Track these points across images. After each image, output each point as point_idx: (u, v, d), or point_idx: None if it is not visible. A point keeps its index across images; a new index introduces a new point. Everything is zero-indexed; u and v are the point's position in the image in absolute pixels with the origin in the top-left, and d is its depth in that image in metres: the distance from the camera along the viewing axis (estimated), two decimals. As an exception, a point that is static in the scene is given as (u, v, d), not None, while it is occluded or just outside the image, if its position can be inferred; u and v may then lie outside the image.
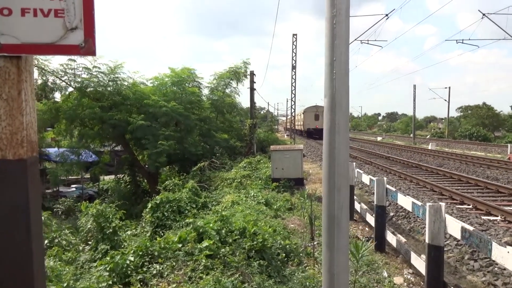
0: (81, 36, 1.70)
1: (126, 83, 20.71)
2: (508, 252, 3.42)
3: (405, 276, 6.05)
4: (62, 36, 1.68)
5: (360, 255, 4.00)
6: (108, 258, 6.18)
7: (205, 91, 26.80)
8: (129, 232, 10.16)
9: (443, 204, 4.80)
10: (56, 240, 9.76)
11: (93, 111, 18.90)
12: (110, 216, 9.73)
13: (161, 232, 9.58)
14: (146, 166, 21.31)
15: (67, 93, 20.13)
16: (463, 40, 25.77)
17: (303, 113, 46.25)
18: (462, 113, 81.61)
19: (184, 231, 6.36)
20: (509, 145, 34.44)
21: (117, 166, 24.10)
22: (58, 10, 1.68)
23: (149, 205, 11.04)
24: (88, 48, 1.70)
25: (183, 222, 9.63)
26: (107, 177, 27.09)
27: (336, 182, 2.15)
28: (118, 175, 23.48)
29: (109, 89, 20.04)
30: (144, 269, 5.63)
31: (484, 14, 22.78)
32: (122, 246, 8.30)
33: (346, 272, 2.22)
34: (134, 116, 19.81)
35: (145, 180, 22.45)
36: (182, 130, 21.62)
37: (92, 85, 19.64)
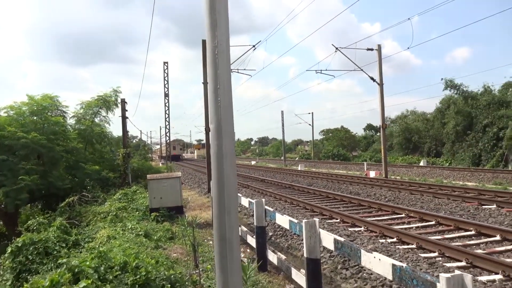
0: None
1: (-26, 113, 18.27)
2: (374, 257, 3.85)
3: (287, 291, 6.33)
4: None
5: (247, 276, 4.10)
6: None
7: (71, 121, 25.07)
8: (-17, 284, 8.84)
9: (317, 219, 5.21)
10: None
11: None
12: (-42, 268, 8.39)
13: (27, 277, 8.53)
14: (2, 205, 18.85)
15: None
16: (321, 70, 28.50)
17: (164, 146, 57.72)
18: (324, 136, 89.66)
19: (56, 273, 5.75)
20: (365, 163, 38.86)
21: (-36, 208, 20.81)
22: None
23: (9, 249, 9.76)
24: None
25: (52, 264, 8.73)
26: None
27: (226, 204, 2.22)
28: (-35, 219, 20.26)
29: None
30: (8, 323, 4.94)
31: (337, 48, 25.71)
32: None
33: (239, 293, 2.27)
34: (-14, 150, 17.53)
35: (1, 222, 19.81)
36: (46, 163, 19.79)
37: None
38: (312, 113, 63.04)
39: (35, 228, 12.94)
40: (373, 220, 11.40)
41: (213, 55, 2.21)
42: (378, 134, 66.43)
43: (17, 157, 18.07)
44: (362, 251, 4.09)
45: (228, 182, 2.22)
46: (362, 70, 26.47)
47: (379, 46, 26.02)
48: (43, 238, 10.23)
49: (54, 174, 19.72)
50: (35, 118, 21.08)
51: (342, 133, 77.23)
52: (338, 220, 11.93)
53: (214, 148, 2.24)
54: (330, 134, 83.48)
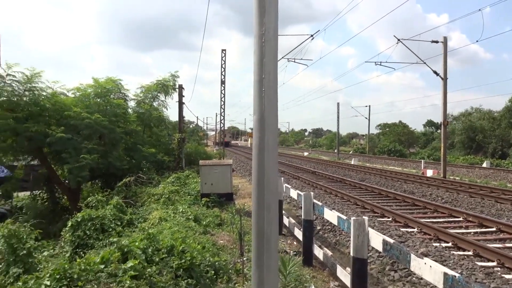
0: None
1: (44, 93, 19.44)
2: (425, 263, 3.63)
3: (331, 288, 6.20)
4: None
5: (287, 272, 4.02)
6: (20, 283, 5.65)
7: (132, 104, 26.03)
8: (46, 253, 9.44)
9: (366, 218, 5.01)
10: (-40, 265, 8.81)
11: (5, 123, 17.45)
12: (24, 236, 8.99)
13: (82, 252, 9.01)
14: (66, 181, 20.05)
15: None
16: (381, 62, 27.56)
17: (217, 133, 59.95)
18: (381, 130, 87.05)
19: (107, 250, 6.00)
20: (422, 161, 37.28)
21: (33, 182, 22.40)
22: None
23: (69, 223, 10.38)
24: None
25: (107, 241, 9.15)
26: (21, 194, 25.07)
27: (265, 199, 2.14)
28: (34, 192, 21.82)
29: (25, 99, 18.68)
30: (61, 294, 5.21)
31: (399, 40, 24.64)
32: (38, 269, 7.67)
33: (275, 291, 2.20)
34: (54, 128, 18.64)
35: (65, 197, 21.11)
36: (107, 144, 20.72)
37: (5, 94, 18.16)
38: (369, 106, 61.32)
39: (93, 204, 13.60)
40: (427, 221, 10.88)
41: (260, 43, 2.11)
42: (438, 131, 63.42)
43: (81, 137, 19.05)
44: (412, 256, 3.88)
45: (269, 176, 2.13)
46: (425, 63, 25.30)
47: (445, 38, 24.63)
48: (100, 215, 10.75)
49: (114, 154, 20.61)
50: (98, 100, 22.10)
51: (400, 128, 74.53)
52: (390, 219, 11.52)
53: (256, 140, 2.16)
54: (387, 129, 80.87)
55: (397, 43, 24.67)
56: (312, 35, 24.51)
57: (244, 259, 6.99)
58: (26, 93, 18.75)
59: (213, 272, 6.13)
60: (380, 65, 27.05)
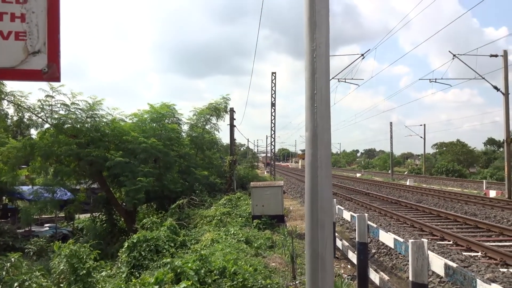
0: (44, 61, 1.58)
1: (105, 120, 20.52)
2: (493, 289, 3.36)
3: (390, 315, 5.89)
4: (23, 60, 1.55)
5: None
6: (79, 303, 5.85)
7: (185, 127, 26.75)
8: (104, 273, 9.76)
9: (425, 240, 4.75)
10: (26, 283, 9.27)
11: (69, 148, 18.55)
12: (84, 257, 9.35)
13: (137, 273, 9.21)
14: (124, 203, 20.80)
15: (43, 129, 19.76)
16: (436, 79, 26.64)
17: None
18: (437, 150, 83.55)
19: (161, 271, 6.10)
20: (484, 181, 35.18)
21: (93, 204, 23.41)
22: (19, 33, 1.57)
23: (126, 245, 10.69)
24: (51, 73, 1.57)
25: (161, 262, 9.32)
26: (82, 216, 26.27)
27: (319, 218, 2.07)
28: (94, 214, 22.80)
29: (87, 125, 19.78)
30: (118, 313, 5.33)
31: (454, 55, 23.77)
32: (96, 288, 7.93)
33: (331, 314, 2.11)
34: (113, 153, 19.51)
35: (122, 219, 21.85)
36: (161, 167, 21.35)
37: (70, 121, 19.35)
38: (424, 125, 59.12)
39: (148, 226, 13.96)
40: (492, 245, 10.16)
41: (311, 59, 2.09)
42: (501, 149, 59.81)
43: (137, 160, 19.78)
44: (478, 281, 3.60)
45: (323, 194, 2.07)
46: (483, 78, 24.15)
47: (505, 51, 23.50)
48: (155, 237, 11.00)
49: (168, 177, 21.16)
50: (154, 125, 22.95)
51: (458, 147, 71.12)
52: (451, 243, 10.88)
53: (309, 158, 2.11)
54: (444, 148, 77.48)
55: (453, 58, 23.83)
56: (363, 54, 24.24)
57: (297, 282, 6.85)
58: (88, 120, 19.86)
59: (265, 295, 6.04)
60: (435, 82, 26.17)
